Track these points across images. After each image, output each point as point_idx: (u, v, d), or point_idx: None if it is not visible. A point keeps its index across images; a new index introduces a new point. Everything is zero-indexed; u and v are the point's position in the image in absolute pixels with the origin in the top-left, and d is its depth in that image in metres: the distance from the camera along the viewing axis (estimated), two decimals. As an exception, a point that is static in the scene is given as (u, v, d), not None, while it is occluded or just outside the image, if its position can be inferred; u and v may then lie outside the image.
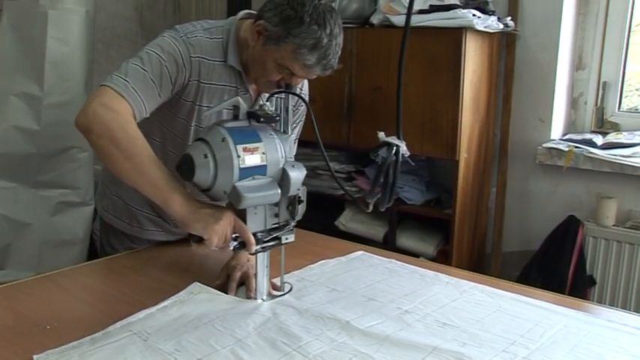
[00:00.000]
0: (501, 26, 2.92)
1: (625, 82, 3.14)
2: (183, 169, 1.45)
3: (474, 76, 2.87)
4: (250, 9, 1.81)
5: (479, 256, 3.24)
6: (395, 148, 1.54)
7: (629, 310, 2.68)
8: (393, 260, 1.90)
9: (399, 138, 1.56)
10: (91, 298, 1.59)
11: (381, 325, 1.44)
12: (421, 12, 2.77)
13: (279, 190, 1.47)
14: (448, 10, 2.74)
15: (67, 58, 2.39)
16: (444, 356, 1.30)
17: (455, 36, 2.74)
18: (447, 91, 2.79)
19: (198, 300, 1.51)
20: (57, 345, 1.30)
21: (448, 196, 3.06)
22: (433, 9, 2.77)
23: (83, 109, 1.51)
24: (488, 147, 3.14)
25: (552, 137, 3.11)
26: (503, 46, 3.12)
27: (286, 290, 1.62)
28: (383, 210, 1.59)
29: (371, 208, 1.60)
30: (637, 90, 3.22)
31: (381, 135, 1.56)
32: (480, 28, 2.75)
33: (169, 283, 1.68)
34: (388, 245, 3.03)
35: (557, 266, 2.90)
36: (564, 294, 1.98)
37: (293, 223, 1.56)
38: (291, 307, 1.51)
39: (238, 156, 1.41)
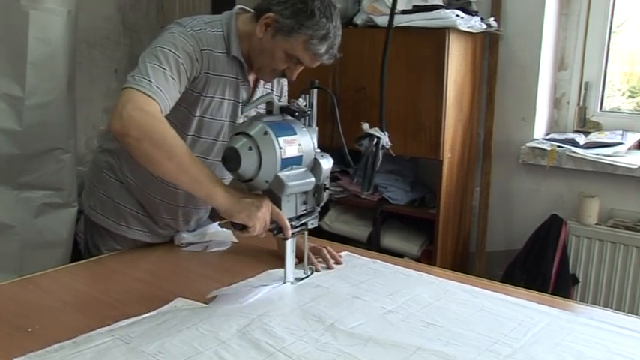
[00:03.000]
0: (484, 26, 2.93)
1: (607, 82, 3.16)
2: (229, 162, 1.54)
3: (458, 76, 2.87)
4: (235, 5, 1.86)
5: (463, 256, 3.24)
6: (376, 139, 1.65)
7: (611, 308, 2.70)
8: (377, 260, 1.90)
9: (382, 130, 1.66)
10: (73, 300, 1.58)
11: (365, 325, 1.44)
12: (404, 12, 2.78)
13: (314, 179, 1.60)
14: (431, 10, 2.74)
15: (49, 59, 2.37)
16: (427, 356, 1.30)
17: (438, 36, 2.74)
18: (431, 91, 2.80)
19: (182, 310, 1.51)
20: (38, 348, 1.29)
21: (432, 196, 3.07)
22: (416, 9, 2.78)
23: (116, 114, 1.53)
24: (472, 147, 3.15)
25: (535, 137, 3.13)
26: (486, 47, 3.13)
27: (308, 273, 1.74)
28: (363, 197, 1.69)
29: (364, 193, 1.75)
30: (619, 90, 3.25)
31: (365, 126, 1.68)
32: (463, 28, 2.76)
33: (153, 285, 1.68)
34: (372, 245, 3.03)
35: (540, 265, 2.91)
36: (547, 292, 2.00)
37: (318, 209, 1.69)
38: (274, 308, 1.51)
39: (280, 148, 1.52)
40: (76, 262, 1.90)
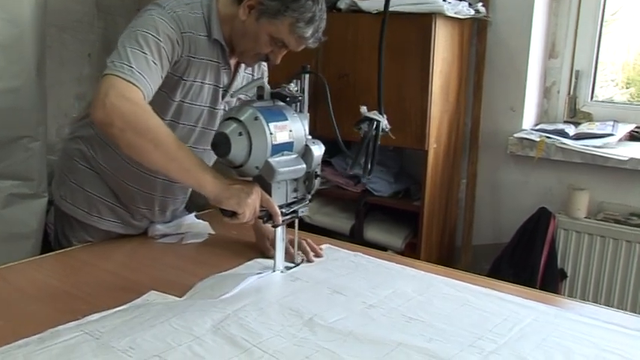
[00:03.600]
0: (472, 12, 2.93)
1: (600, 72, 3.17)
2: (218, 147, 1.56)
3: (444, 64, 2.87)
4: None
5: (448, 249, 3.25)
6: (375, 123, 1.68)
7: (600, 303, 2.72)
8: (359, 253, 1.90)
9: (380, 113, 1.69)
10: (41, 294, 1.56)
11: (345, 320, 1.44)
12: (389, -4, 2.77)
13: (305, 165, 1.63)
14: (417, -6, 2.74)
15: (17, 41, 2.33)
16: (409, 352, 1.31)
17: (424, 22, 2.73)
18: (416, 79, 2.79)
19: (155, 304, 1.50)
20: (2, 344, 1.28)
21: (417, 188, 3.07)
22: (402, -7, 2.77)
23: (98, 102, 1.52)
24: (459, 137, 3.16)
25: (524, 127, 3.13)
26: (474, 33, 3.13)
27: (298, 262, 1.78)
28: (364, 180, 1.71)
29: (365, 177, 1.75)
30: (613, 80, 3.26)
31: (363, 110, 1.70)
32: (450, 13, 2.75)
33: (126, 278, 1.68)
34: (355, 238, 3.03)
35: (528, 259, 2.93)
36: (535, 287, 2.00)
37: (309, 197, 1.72)
38: (251, 302, 1.50)
39: (271, 133, 1.55)
40: (45, 255, 1.89)
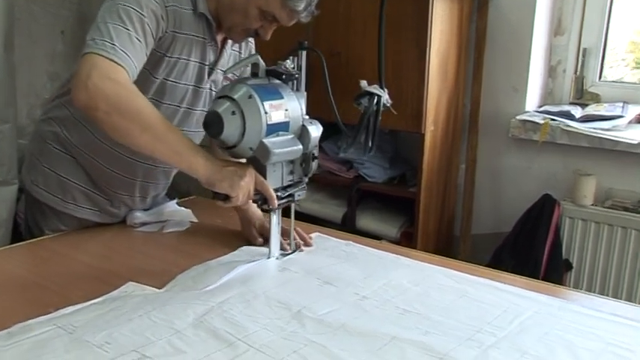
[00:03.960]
0: (472, -15, 2.93)
1: (610, 51, 3.16)
2: (210, 126, 1.57)
3: (442, 41, 2.87)
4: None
5: (446, 239, 3.27)
6: (376, 97, 1.69)
7: (608, 295, 2.73)
8: (351, 242, 1.90)
9: (381, 88, 1.70)
10: (10, 286, 1.56)
11: (336, 312, 1.44)
12: (384, -31, 2.76)
13: (302, 146, 1.64)
14: (414, -34, 2.74)
15: (-17, 15, 2.32)
16: (403, 345, 1.31)
17: (421, -5, 2.74)
18: (412, 57, 2.79)
19: (133, 296, 1.50)
20: (-31, 339, 1.28)
21: (413, 173, 3.07)
22: (397, -35, 2.77)
23: (80, 84, 1.51)
24: (457, 119, 3.16)
25: (527, 109, 3.14)
26: (474, 8, 3.13)
27: (295, 248, 1.81)
28: (365, 158, 1.72)
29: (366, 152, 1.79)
30: (624, 60, 3.26)
31: (364, 84, 1.71)
32: (449, -13, 2.75)
33: (102, 269, 1.67)
34: (347, 227, 3.04)
35: (530, 249, 2.94)
36: (538, 279, 2.01)
37: (306, 180, 1.75)
38: (236, 294, 1.51)
39: (266, 112, 1.56)
40: (15, 244, 1.88)
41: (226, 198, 1.61)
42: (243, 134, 1.56)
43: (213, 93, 1.88)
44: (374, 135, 1.73)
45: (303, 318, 1.41)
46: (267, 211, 1.72)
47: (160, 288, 1.55)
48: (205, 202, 2.30)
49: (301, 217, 2.84)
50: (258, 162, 1.61)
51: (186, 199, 2.24)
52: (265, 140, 1.57)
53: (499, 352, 1.31)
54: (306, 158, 1.70)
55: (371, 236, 2.58)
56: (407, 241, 2.97)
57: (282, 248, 1.80)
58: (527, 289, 1.63)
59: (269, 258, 1.74)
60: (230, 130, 1.56)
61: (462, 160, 3.27)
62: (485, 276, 1.70)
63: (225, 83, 1.89)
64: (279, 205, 1.69)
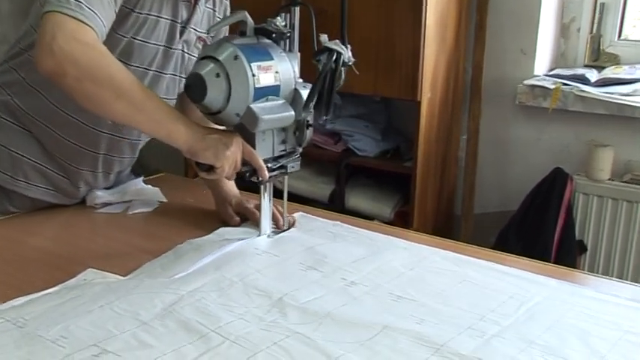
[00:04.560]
0: None
1: (631, 6, 3.15)
2: (192, 90, 1.57)
3: (440, -3, 2.87)
4: None
5: (446, 219, 3.27)
6: (336, 54, 1.65)
7: (626, 279, 2.74)
8: (339, 223, 1.90)
9: (343, 44, 1.66)
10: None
11: (321, 299, 1.45)
12: None
13: (294, 112, 1.64)
14: None
15: None
16: (396, 335, 1.31)
17: (416, -55, 2.73)
18: (406, 15, 2.79)
19: (93, 285, 1.49)
20: None
21: (408, 146, 3.08)
22: None
23: (44, 48, 1.49)
24: (458, 85, 3.16)
25: (536, 73, 3.15)
26: (476, -40, 3.12)
27: (290, 225, 1.84)
28: (321, 122, 1.71)
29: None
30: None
31: (323, 38, 1.67)
32: None
33: (57, 255, 1.67)
34: (335, 206, 3.05)
35: (540, 230, 2.95)
36: (548, 262, 2.02)
37: (300, 150, 1.76)
38: (210, 282, 1.51)
39: (253, 75, 1.56)
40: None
41: (210, 169, 1.61)
42: (228, 99, 1.56)
43: (185, 55, 1.88)
44: (331, 95, 1.70)
45: (284, 306, 1.41)
46: (256, 184, 1.72)
47: (123, 275, 1.55)
48: (175, 180, 2.29)
49: (282, 195, 2.85)
50: (246, 130, 1.62)
51: (154, 176, 2.23)
52: (253, 105, 1.57)
53: (503, 342, 1.32)
54: (299, 126, 1.71)
55: (362, 216, 2.59)
56: (402, 221, 2.98)
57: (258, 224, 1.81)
58: (535, 272, 1.63)
59: (259, 236, 1.76)
60: (214, 95, 1.55)
61: (463, 130, 3.27)
62: (489, 259, 1.70)
63: (198, 45, 1.88)
64: (269, 177, 1.69)
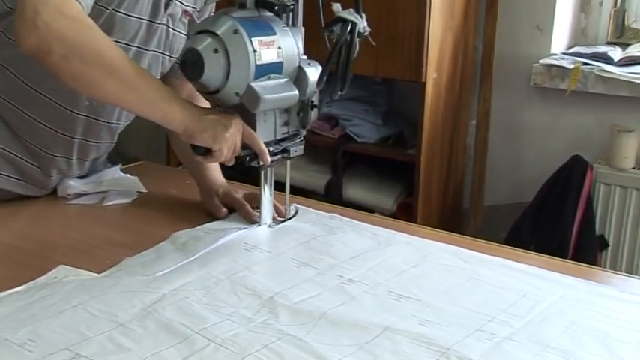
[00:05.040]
0: None
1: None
2: (189, 67, 1.57)
3: (447, -33, 2.87)
4: None
5: (453, 212, 3.28)
6: (351, 25, 1.65)
7: (651, 279, 2.75)
8: (336, 215, 1.91)
9: (357, 13, 1.67)
10: None
11: (316, 298, 1.45)
12: None
13: (298, 92, 1.66)
14: None
15: None
16: (398, 338, 1.31)
17: None
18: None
19: (65, 283, 1.49)
20: None
21: (412, 131, 3.08)
22: None
23: (27, 24, 1.49)
24: (466, 64, 3.16)
25: (553, 51, 3.15)
26: None
27: (292, 214, 1.87)
28: (336, 98, 1.71)
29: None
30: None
31: (337, 7, 1.67)
32: None
33: (26, 251, 1.67)
34: (332, 197, 3.05)
35: (556, 223, 2.96)
36: (565, 258, 2.03)
37: (304, 133, 1.78)
38: (194, 280, 1.51)
39: (254, 51, 1.57)
40: None
41: (207, 152, 1.62)
42: (227, 76, 1.57)
43: (170, 31, 1.88)
44: (347, 68, 1.71)
45: (275, 306, 1.41)
46: (257, 169, 1.74)
47: (98, 273, 1.55)
48: (156, 169, 2.30)
49: (275, 186, 2.84)
50: (246, 110, 1.62)
51: (132, 164, 2.23)
52: (254, 84, 1.57)
53: (516, 345, 1.32)
54: (303, 106, 1.72)
55: (361, 209, 2.58)
56: (405, 214, 2.98)
57: (246, 215, 1.83)
58: (551, 269, 1.63)
59: (259, 225, 1.78)
60: (212, 72, 1.56)
61: (472, 115, 3.27)
62: (500, 254, 1.71)
63: (184, 20, 1.88)
64: (271, 162, 1.70)
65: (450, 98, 3.07)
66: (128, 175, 2.08)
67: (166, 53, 1.89)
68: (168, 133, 2.07)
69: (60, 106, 1.82)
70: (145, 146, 2.41)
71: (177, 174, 2.19)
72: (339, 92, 1.71)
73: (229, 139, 1.60)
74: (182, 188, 2.03)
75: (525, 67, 3.13)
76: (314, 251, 1.68)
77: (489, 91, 3.22)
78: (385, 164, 3.12)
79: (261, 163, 1.68)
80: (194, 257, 1.62)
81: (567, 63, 3.02)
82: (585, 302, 1.49)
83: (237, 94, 1.59)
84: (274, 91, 1.61)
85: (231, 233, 1.73)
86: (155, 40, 1.86)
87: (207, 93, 1.62)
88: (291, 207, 1.87)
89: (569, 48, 3.22)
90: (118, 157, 2.15)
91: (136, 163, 2.26)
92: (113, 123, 1.94)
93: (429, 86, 2.88)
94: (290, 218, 1.85)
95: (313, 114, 1.73)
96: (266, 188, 1.77)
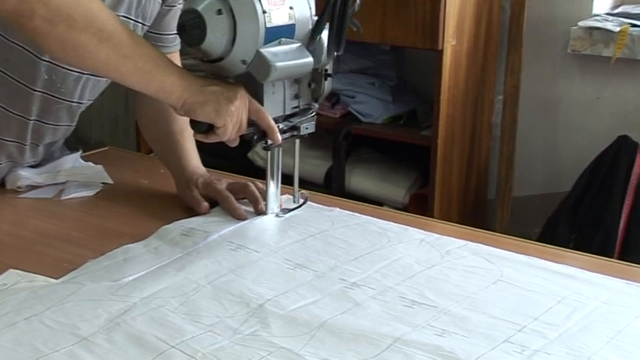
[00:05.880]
0: None
1: None
2: (188, 32, 1.60)
3: None
4: None
5: (476, 204, 3.29)
6: None
7: None
8: (337, 208, 1.92)
9: None
10: None
11: (314, 305, 1.45)
12: None
13: (312, 59, 1.68)
14: None
15: None
16: (410, 351, 1.32)
17: None
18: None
19: (17, 290, 1.50)
20: None
21: (426, 109, 3.08)
22: None
23: None
24: (492, 29, 3.17)
25: (595, 11, 3.14)
26: None
27: (302, 202, 1.90)
28: (335, 56, 1.73)
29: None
30: None
31: None
32: None
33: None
34: (333, 188, 3.05)
35: (599, 217, 2.96)
36: (611, 258, 2.03)
37: (316, 106, 1.81)
38: (171, 286, 1.52)
39: (264, 11, 1.59)
40: None
41: (209, 128, 1.64)
42: (233, 42, 1.59)
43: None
44: (341, 26, 1.72)
45: (266, 315, 1.42)
46: (266, 149, 1.76)
47: (56, 278, 1.55)
48: (124, 156, 2.30)
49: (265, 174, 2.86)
50: (253, 81, 1.64)
51: (96, 150, 2.23)
52: (264, 50, 1.59)
53: (550, 359, 1.32)
54: (316, 76, 1.74)
55: (367, 201, 2.58)
56: (419, 207, 2.99)
57: (229, 209, 1.85)
58: (593, 271, 1.64)
59: (266, 214, 1.83)
60: (215, 36, 1.58)
61: (498, 89, 3.28)
62: (532, 253, 1.71)
63: None
64: (282, 141, 1.73)
65: (472, 69, 3.08)
66: (90, 164, 2.08)
67: (138, 20, 1.89)
68: (137, 114, 2.07)
69: (13, 80, 1.82)
70: (111, 129, 2.41)
71: (149, 161, 2.20)
72: (335, 54, 1.73)
73: (234, 114, 1.63)
74: (155, 178, 2.04)
75: (562, 32, 3.13)
76: (311, 250, 1.68)
77: (519, 61, 3.22)
78: (395, 148, 3.12)
79: (270, 143, 1.71)
80: (169, 260, 1.63)
81: (612, 25, 3.02)
82: (634, 309, 1.49)
83: (243, 61, 1.61)
84: (287, 58, 1.63)
85: (216, 233, 1.74)
86: (125, 4, 1.86)
87: (209, 61, 1.63)
88: (300, 192, 1.90)
89: (615, 7, 3.22)
90: (78, 142, 2.16)
91: (100, 149, 2.27)
92: (74, 102, 1.94)
93: (446, 55, 2.89)
94: (300, 206, 1.87)
95: (327, 85, 1.75)
96: (275, 171, 1.80)
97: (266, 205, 1.83)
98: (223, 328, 1.37)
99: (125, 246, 1.70)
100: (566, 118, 3.24)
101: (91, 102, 1.99)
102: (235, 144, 1.70)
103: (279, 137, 1.70)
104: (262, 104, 1.68)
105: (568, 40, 3.10)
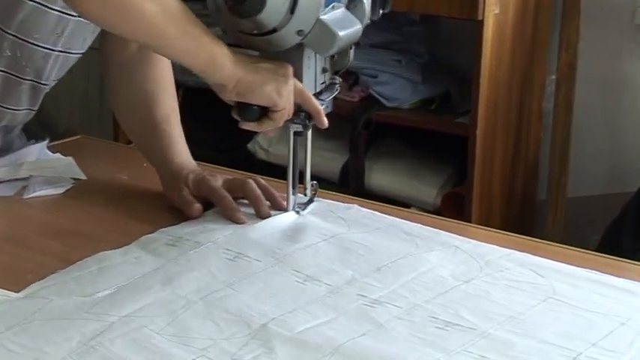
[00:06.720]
0: None
1: None
2: (242, 1, 1.60)
3: None
4: None
5: (523, 206, 3.29)
6: None
7: None
8: (355, 206, 1.93)
9: None
10: None
11: (327, 326, 1.46)
12: None
13: (360, 25, 1.73)
14: None
15: None
16: (443, 381, 1.33)
17: None
18: None
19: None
20: None
21: (463, 92, 3.09)
22: None
23: None
24: (542, -4, 3.18)
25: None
26: None
27: (313, 194, 1.94)
28: (369, 21, 1.82)
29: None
30: None
31: None
32: None
33: None
34: (350, 186, 3.06)
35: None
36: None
37: (339, 81, 1.86)
38: (155, 301, 1.53)
39: None
40: None
41: (263, 114, 1.67)
42: (292, 9, 1.61)
43: None
44: None
45: (270, 337, 1.42)
46: (297, 135, 1.79)
47: (17, 292, 1.57)
48: (99, 146, 2.31)
49: (273, 170, 2.84)
50: (290, 56, 1.69)
51: (65, 140, 2.24)
52: (325, 18, 1.63)
53: (610, 390, 1.34)
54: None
55: (392, 202, 2.58)
56: (453, 209, 3.00)
57: (226, 211, 1.86)
58: (662, 287, 1.65)
59: (287, 211, 1.87)
60: (275, 5, 1.60)
61: (551, 67, 3.28)
62: (590, 266, 1.72)
63: None
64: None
65: (519, 43, 3.08)
66: (59, 155, 2.09)
67: None
68: (111, 100, 2.07)
69: None
70: (83, 114, 2.40)
71: (129, 153, 2.20)
72: (382, 11, 1.76)
73: (291, 95, 1.67)
74: (136, 173, 2.05)
75: (626, 1, 3.14)
76: (324, 259, 1.69)
77: (576, 34, 3.22)
78: (425, 139, 3.13)
79: (309, 125, 1.75)
80: (153, 270, 1.63)
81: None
82: None
83: (299, 32, 1.64)
84: (345, 26, 1.67)
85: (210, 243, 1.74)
86: None
87: (261, 34, 1.65)
88: (313, 183, 1.92)
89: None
90: (43, 129, 2.16)
91: (70, 138, 2.27)
92: (40, 83, 1.95)
93: (487, 26, 2.89)
94: (311, 199, 1.91)
95: (351, 54, 1.79)
96: (295, 160, 1.83)
97: (287, 201, 1.85)
98: (218, 353, 1.37)
99: (100, 253, 1.70)
100: (633, 104, 3.24)
101: (56, 82, 1.99)
102: (274, 133, 1.77)
103: (325, 121, 1.74)
104: (301, 82, 1.71)
105: (635, 10, 3.11)
